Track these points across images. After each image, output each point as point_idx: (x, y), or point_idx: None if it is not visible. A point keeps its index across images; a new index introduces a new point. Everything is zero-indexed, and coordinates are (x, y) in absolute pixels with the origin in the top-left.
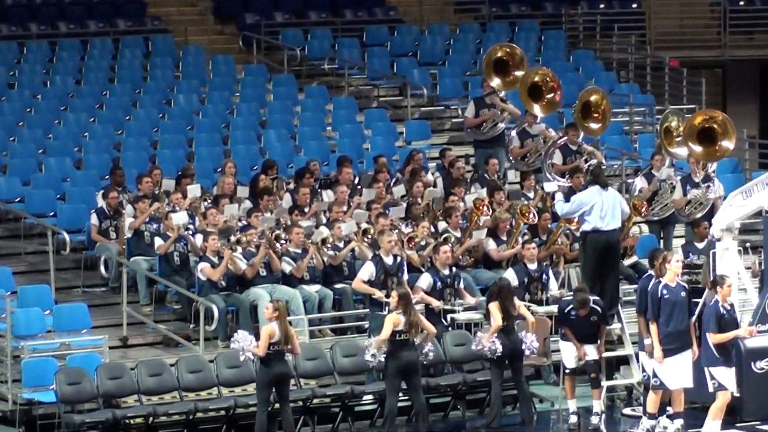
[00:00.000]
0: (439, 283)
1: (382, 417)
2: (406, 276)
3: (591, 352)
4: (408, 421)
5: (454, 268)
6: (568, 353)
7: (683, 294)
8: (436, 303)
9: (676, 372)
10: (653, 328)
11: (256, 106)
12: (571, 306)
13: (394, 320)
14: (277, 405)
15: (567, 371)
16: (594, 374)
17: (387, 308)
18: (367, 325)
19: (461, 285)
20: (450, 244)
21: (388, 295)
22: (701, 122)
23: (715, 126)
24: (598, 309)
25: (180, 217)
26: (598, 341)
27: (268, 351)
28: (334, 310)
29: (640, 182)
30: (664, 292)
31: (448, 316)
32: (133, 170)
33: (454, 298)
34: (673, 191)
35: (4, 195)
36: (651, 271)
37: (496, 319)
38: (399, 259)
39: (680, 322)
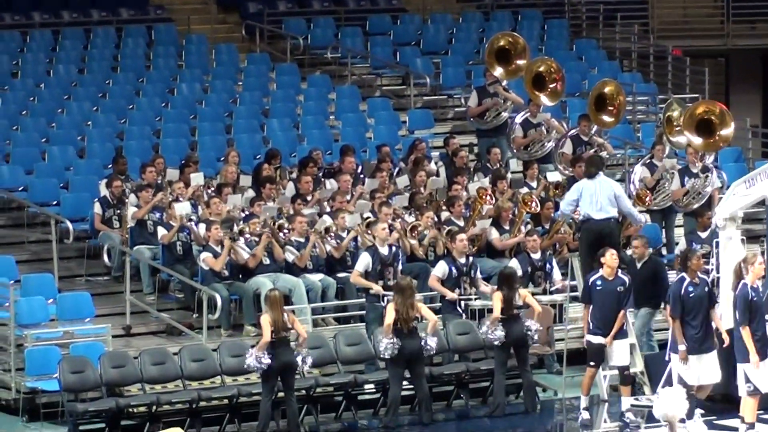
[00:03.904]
0: (455, 272)
1: (386, 406)
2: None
3: (622, 356)
4: (411, 410)
5: (470, 257)
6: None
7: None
8: (450, 295)
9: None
10: (746, 332)
11: (259, 95)
12: (597, 275)
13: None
14: (280, 394)
15: (591, 364)
16: (626, 371)
17: (385, 300)
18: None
19: (477, 274)
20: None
21: (385, 287)
22: (701, 113)
23: (712, 117)
24: (626, 279)
25: (183, 207)
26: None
27: (272, 339)
28: (337, 299)
29: (640, 171)
30: (753, 294)
31: (463, 303)
32: (136, 159)
33: (470, 287)
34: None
35: (8, 184)
36: (684, 274)
37: (495, 308)
38: (395, 248)
39: (763, 324)
